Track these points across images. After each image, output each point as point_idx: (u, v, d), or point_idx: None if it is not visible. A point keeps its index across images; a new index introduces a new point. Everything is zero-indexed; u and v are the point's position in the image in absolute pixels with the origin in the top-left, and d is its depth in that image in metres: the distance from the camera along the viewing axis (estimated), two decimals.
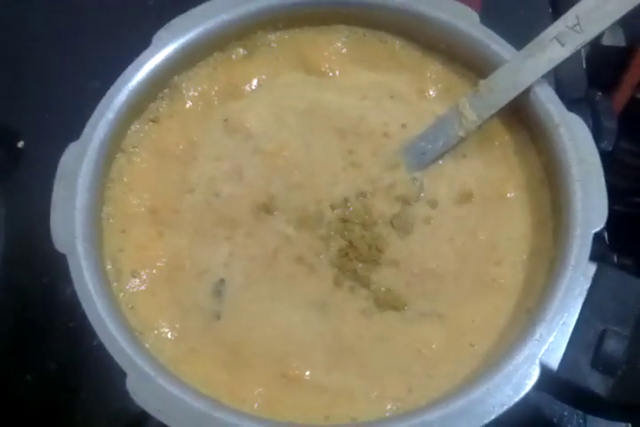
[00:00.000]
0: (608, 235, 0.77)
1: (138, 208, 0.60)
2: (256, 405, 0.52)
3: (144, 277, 0.57)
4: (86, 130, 0.58)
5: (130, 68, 0.60)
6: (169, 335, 0.55)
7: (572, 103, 0.59)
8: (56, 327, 0.76)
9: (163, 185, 0.60)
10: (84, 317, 0.53)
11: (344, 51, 0.66)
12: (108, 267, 0.57)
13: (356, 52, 0.66)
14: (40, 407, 0.74)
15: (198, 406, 0.49)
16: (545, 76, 0.58)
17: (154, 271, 0.58)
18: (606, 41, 0.91)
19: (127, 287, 0.57)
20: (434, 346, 0.54)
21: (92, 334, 0.65)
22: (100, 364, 0.72)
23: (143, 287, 0.57)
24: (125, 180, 0.60)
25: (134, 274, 0.57)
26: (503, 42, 0.60)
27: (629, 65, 0.82)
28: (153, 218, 0.59)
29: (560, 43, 0.57)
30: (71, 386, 0.74)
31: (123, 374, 0.51)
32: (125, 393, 0.71)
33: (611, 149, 0.77)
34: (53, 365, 0.75)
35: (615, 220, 0.75)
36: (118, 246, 0.58)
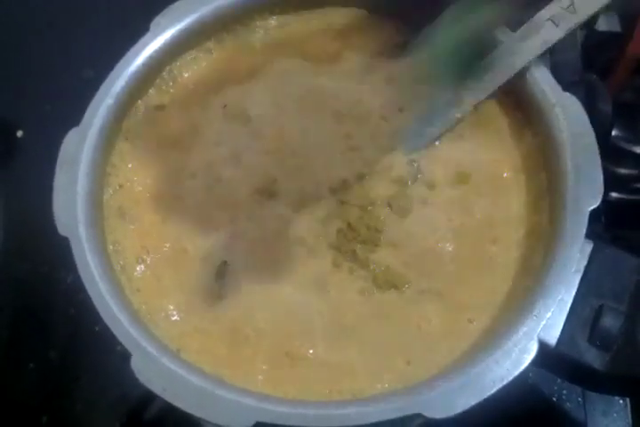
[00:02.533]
0: (605, 221, 0.78)
1: (142, 194, 0.60)
2: (259, 382, 0.53)
3: (148, 261, 0.58)
4: (87, 115, 0.58)
5: (129, 53, 0.60)
6: (173, 317, 0.56)
7: (567, 86, 0.59)
8: (56, 315, 0.77)
9: (165, 171, 0.61)
10: (84, 304, 0.53)
11: (341, 37, 0.66)
12: (111, 251, 0.57)
13: (353, 38, 0.66)
14: (42, 395, 0.74)
15: (202, 385, 0.49)
16: (540, 57, 0.59)
17: (158, 256, 0.58)
18: (601, 27, 0.91)
19: (132, 272, 0.57)
20: (433, 322, 0.55)
21: (92, 321, 0.65)
22: (102, 351, 0.73)
23: (148, 272, 0.57)
24: (129, 166, 0.61)
25: (139, 259, 0.58)
26: None
27: (624, 51, 0.82)
28: (156, 203, 0.60)
29: (555, 23, 0.57)
30: (72, 373, 0.75)
31: (124, 360, 0.51)
32: (127, 380, 0.72)
33: (605, 131, 0.78)
34: (54, 353, 0.76)
35: (613, 206, 0.76)
36: (122, 232, 0.58)
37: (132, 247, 0.58)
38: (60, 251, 0.54)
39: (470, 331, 0.54)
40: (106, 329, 0.52)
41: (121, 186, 0.60)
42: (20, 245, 0.81)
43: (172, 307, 0.56)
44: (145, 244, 0.58)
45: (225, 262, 0.57)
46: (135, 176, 0.60)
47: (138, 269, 0.57)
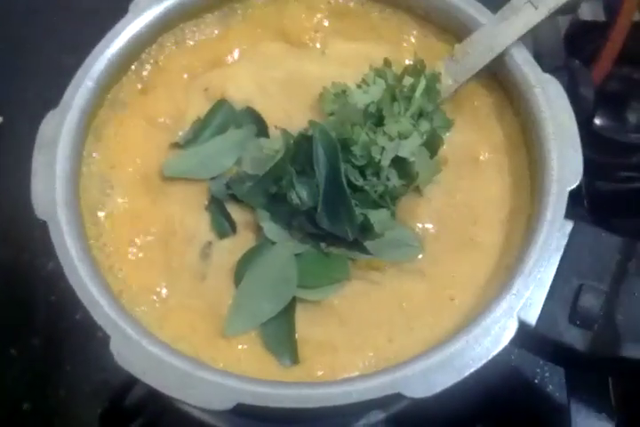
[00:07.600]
0: (589, 209, 0.78)
1: (132, 175, 0.60)
2: (241, 362, 0.53)
3: (139, 243, 0.57)
4: (65, 97, 0.58)
5: (107, 35, 0.60)
6: (156, 297, 0.56)
7: (550, 72, 0.60)
8: (38, 302, 0.77)
9: (153, 153, 0.61)
10: (65, 290, 0.52)
11: (325, 23, 0.66)
12: (97, 234, 0.57)
13: (337, 23, 0.67)
14: (25, 381, 0.74)
15: (182, 366, 0.49)
16: (520, 39, 0.59)
17: (148, 238, 0.58)
18: (585, 15, 0.91)
19: (125, 254, 0.57)
20: (415, 300, 0.55)
21: (74, 306, 0.64)
22: (83, 338, 0.73)
23: (140, 254, 0.57)
24: (118, 148, 0.60)
25: (131, 241, 0.57)
26: (479, 5, 0.61)
27: (608, 39, 0.83)
28: (146, 185, 0.59)
29: (533, 5, 0.58)
30: (55, 359, 0.75)
31: (106, 346, 0.50)
32: (108, 367, 0.72)
33: (588, 116, 0.78)
34: (37, 338, 0.75)
35: (596, 195, 0.77)
36: (112, 215, 0.58)
37: (123, 230, 0.58)
38: (40, 237, 0.54)
39: (451, 309, 0.55)
40: (86, 314, 0.51)
41: (113, 167, 0.60)
42: (0, 231, 0.80)
43: (161, 286, 0.56)
44: (136, 226, 0.58)
45: (210, 243, 0.57)
46: (124, 158, 0.60)
47: (130, 251, 0.57)
